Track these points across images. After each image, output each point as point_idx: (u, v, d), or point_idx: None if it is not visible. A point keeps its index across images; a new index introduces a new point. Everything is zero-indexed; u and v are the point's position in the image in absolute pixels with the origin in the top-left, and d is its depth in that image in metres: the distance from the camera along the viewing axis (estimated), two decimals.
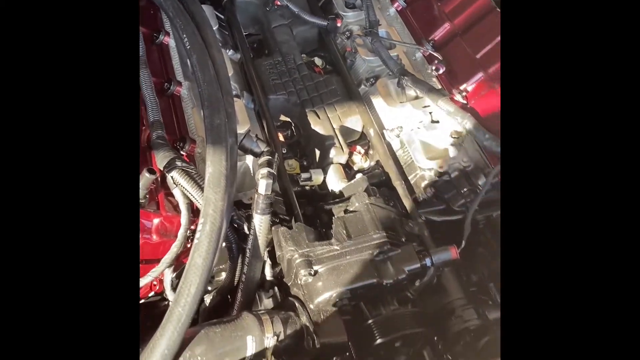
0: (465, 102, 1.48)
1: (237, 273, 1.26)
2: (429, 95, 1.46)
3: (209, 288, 1.31)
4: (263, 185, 1.17)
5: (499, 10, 1.49)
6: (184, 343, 1.04)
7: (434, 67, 1.54)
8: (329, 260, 1.17)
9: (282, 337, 1.11)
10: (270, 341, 1.10)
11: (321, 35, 1.81)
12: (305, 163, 1.52)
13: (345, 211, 1.29)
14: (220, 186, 1.11)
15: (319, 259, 1.17)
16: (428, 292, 1.32)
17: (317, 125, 1.54)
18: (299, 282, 1.17)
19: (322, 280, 1.16)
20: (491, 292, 1.38)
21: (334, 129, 1.53)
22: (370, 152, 1.55)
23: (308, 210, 1.39)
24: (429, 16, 1.61)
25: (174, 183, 1.20)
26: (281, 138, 1.54)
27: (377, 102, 1.56)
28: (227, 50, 1.66)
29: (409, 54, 1.65)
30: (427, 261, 1.22)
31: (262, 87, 1.60)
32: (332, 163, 1.49)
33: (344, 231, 1.21)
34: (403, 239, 1.26)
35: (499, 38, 1.45)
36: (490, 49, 1.47)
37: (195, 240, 1.07)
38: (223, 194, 1.11)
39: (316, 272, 1.17)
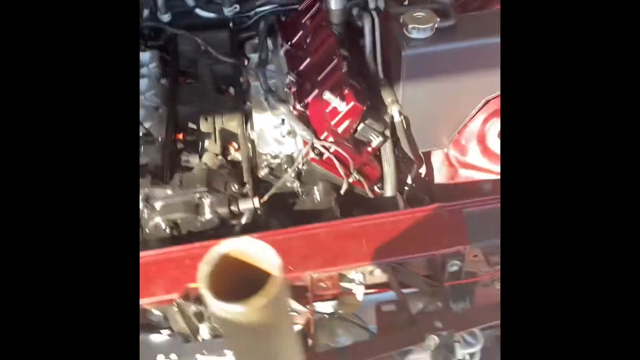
0: (303, 109, 2.02)
1: None
2: (278, 105, 2.03)
3: None
4: None
5: (342, 51, 2.05)
6: None
7: (289, 86, 2.11)
8: (164, 199, 1.73)
9: None
10: None
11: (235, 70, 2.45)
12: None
13: None
14: None
15: (156, 197, 1.73)
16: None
17: (204, 126, 2.13)
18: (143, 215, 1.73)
19: (157, 213, 1.71)
20: None
21: (215, 129, 2.12)
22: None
23: None
24: (301, 54, 2.20)
25: None
26: (181, 137, 2.14)
27: (254, 112, 2.14)
28: (163, 79, 2.34)
29: (283, 80, 2.23)
30: (234, 205, 1.73)
31: (175, 101, 2.24)
32: (207, 151, 2.06)
33: (179, 182, 1.77)
34: (225, 193, 1.78)
35: (331, 65, 2.01)
36: (326, 73, 2.02)
37: None
38: None
39: (153, 207, 1.72)
